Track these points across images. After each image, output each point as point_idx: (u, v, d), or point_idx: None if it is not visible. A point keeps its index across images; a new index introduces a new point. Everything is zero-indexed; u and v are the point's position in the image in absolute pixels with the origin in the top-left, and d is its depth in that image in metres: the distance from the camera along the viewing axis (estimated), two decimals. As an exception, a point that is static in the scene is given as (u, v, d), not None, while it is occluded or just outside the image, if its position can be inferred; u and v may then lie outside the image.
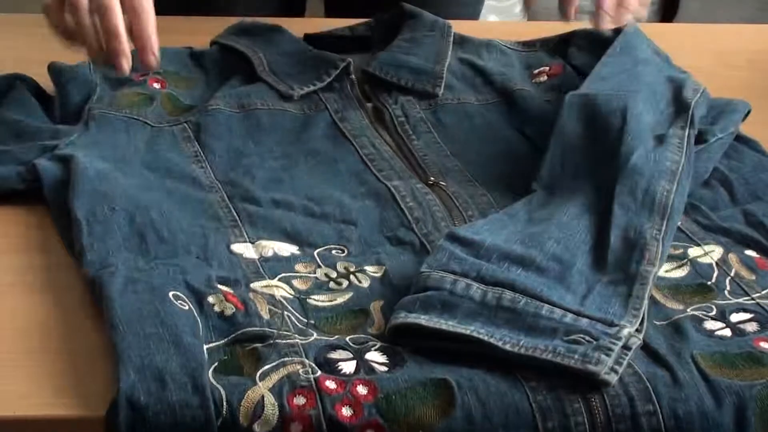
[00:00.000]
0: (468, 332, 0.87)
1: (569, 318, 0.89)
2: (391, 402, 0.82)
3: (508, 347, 0.85)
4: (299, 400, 0.81)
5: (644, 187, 1.02)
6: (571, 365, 0.84)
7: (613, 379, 0.84)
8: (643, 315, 0.91)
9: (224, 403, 0.81)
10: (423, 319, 0.88)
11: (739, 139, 1.18)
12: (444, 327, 0.87)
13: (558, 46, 1.36)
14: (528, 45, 1.38)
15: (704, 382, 0.85)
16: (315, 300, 0.94)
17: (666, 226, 0.99)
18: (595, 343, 0.86)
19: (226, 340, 0.88)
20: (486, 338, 0.86)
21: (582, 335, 0.87)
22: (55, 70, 1.24)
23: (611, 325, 0.88)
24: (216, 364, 0.85)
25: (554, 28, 1.42)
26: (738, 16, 2.41)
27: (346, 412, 0.81)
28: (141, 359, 0.83)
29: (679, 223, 1.04)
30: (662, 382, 0.85)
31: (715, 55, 1.43)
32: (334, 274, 0.97)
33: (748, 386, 0.85)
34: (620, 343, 0.86)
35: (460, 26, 1.39)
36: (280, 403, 0.81)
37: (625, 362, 0.85)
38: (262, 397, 0.81)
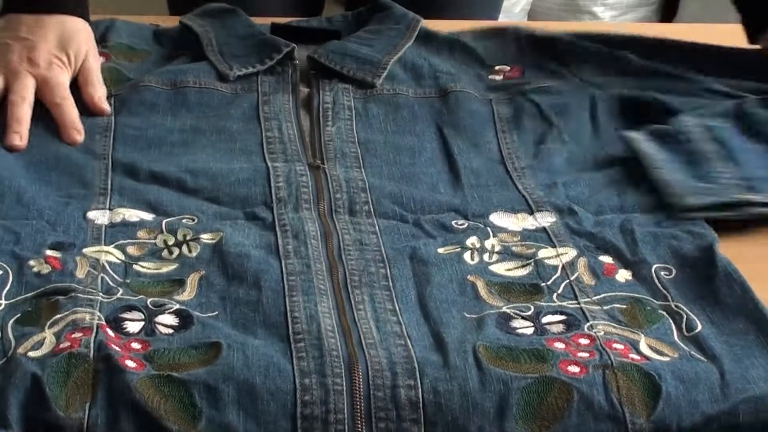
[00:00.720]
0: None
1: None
2: (158, 353, 0.88)
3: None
4: (76, 335, 0.88)
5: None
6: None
7: None
8: None
9: (11, 350, 0.88)
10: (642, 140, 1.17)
11: None
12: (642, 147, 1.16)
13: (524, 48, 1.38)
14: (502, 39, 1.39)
15: (476, 369, 0.88)
16: (140, 266, 1.00)
17: None
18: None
19: (33, 293, 0.95)
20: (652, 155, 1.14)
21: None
22: None
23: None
24: (18, 315, 0.92)
25: (554, 27, 1.43)
26: (738, 16, 2.41)
27: (114, 347, 0.87)
28: None
29: (546, 225, 1.07)
30: (432, 364, 0.88)
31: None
32: (171, 241, 1.03)
33: (519, 378, 0.87)
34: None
35: (458, 26, 1.40)
36: (57, 340, 0.88)
37: None
38: (44, 338, 0.89)
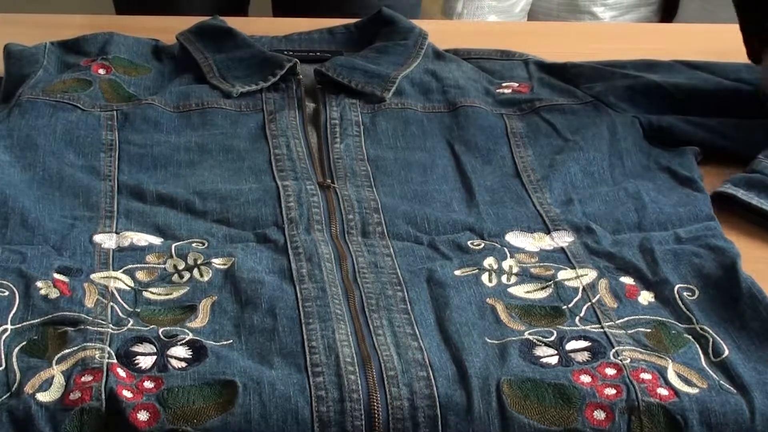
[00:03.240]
0: None
1: None
2: (172, 393, 0.85)
3: None
4: (86, 378, 0.86)
5: None
6: None
7: None
8: None
9: (16, 383, 0.85)
10: (740, 193, 1.13)
11: (676, 176, 1.17)
12: (753, 202, 1.12)
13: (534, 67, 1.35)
14: (508, 54, 1.37)
15: (499, 417, 0.85)
16: (150, 293, 0.97)
17: None
18: None
19: (40, 319, 0.92)
20: None
21: None
22: (6, 51, 1.29)
23: None
24: (24, 343, 0.89)
25: (554, 27, 1.41)
26: (736, 17, 2.40)
27: (126, 393, 0.84)
28: None
29: (564, 245, 1.05)
30: (454, 409, 0.86)
31: (715, 55, 1.41)
32: (182, 265, 1.00)
33: (543, 430, 0.85)
34: None
35: (458, 26, 1.38)
36: (67, 382, 0.85)
37: None
38: (53, 376, 0.86)
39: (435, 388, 0.87)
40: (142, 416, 0.83)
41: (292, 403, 0.85)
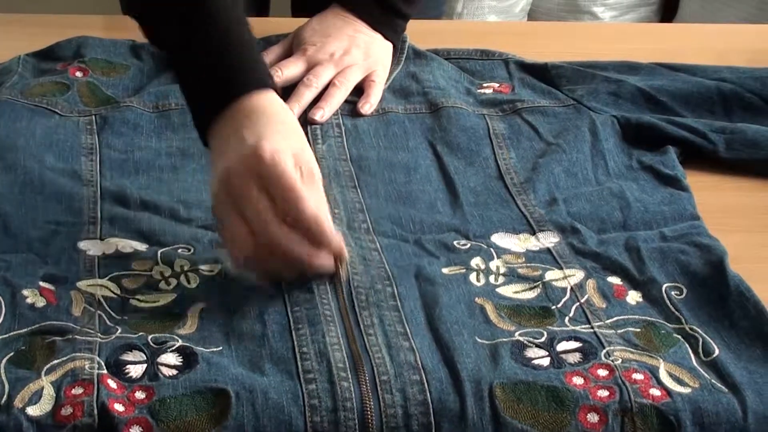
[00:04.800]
0: None
1: None
2: (164, 405, 0.84)
3: None
4: (76, 390, 0.84)
5: None
6: None
7: None
8: None
9: (5, 395, 0.84)
10: None
11: (659, 175, 1.16)
12: None
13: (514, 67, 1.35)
14: (487, 54, 1.37)
15: (493, 422, 0.85)
16: (137, 300, 0.96)
17: None
18: None
19: (28, 329, 0.91)
20: None
21: None
22: None
23: None
24: (11, 354, 0.88)
25: (554, 27, 1.41)
26: (738, 16, 2.39)
27: (118, 407, 0.84)
28: None
29: (550, 246, 1.05)
30: (448, 416, 0.85)
31: (715, 55, 1.41)
32: (168, 272, 0.99)
33: None
34: None
35: (458, 26, 1.38)
36: (57, 394, 0.84)
37: None
38: (42, 388, 0.85)
39: (428, 393, 0.86)
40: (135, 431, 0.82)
41: (286, 413, 0.84)
